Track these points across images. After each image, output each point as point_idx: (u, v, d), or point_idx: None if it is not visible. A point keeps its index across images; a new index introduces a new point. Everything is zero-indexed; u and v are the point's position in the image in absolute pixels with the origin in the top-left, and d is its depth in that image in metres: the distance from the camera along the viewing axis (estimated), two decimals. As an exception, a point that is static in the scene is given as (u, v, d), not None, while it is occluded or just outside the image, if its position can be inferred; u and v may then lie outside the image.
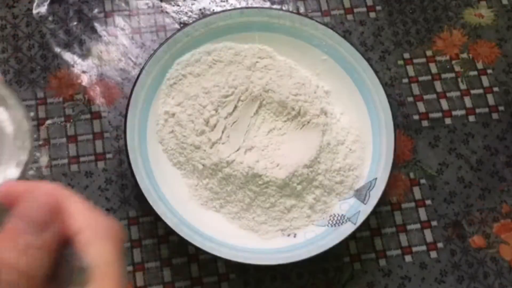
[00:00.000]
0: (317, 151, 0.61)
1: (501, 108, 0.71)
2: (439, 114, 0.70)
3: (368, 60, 0.66)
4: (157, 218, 0.58)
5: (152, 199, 0.58)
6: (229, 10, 0.68)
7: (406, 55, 0.72)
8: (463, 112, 0.70)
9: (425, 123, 0.69)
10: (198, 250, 0.57)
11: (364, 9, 0.73)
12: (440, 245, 0.65)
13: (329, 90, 0.66)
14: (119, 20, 0.70)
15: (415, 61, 0.72)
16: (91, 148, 0.64)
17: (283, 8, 0.72)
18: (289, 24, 0.66)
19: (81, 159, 0.63)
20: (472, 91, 0.71)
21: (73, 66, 0.67)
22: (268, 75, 0.65)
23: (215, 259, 0.60)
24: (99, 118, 0.65)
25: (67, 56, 0.67)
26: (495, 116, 0.71)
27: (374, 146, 0.63)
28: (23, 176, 0.39)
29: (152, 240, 0.61)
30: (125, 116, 0.60)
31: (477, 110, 0.71)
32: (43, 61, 0.67)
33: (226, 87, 0.63)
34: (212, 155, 0.59)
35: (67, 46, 0.68)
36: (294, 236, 0.60)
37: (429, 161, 0.68)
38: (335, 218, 0.61)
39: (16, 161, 0.39)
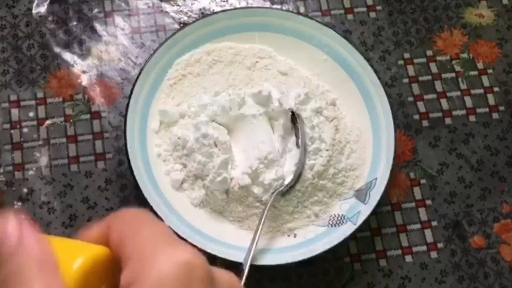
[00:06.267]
0: (328, 156, 0.61)
1: (501, 108, 0.71)
2: (439, 114, 0.70)
3: (368, 60, 0.66)
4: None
5: (152, 199, 0.58)
6: (229, 10, 0.68)
7: (406, 55, 0.72)
8: (463, 112, 0.70)
9: (425, 123, 0.69)
10: (198, 250, 0.57)
11: (364, 9, 0.73)
12: (440, 245, 0.64)
13: (329, 90, 0.66)
14: (119, 20, 0.69)
15: (415, 61, 0.72)
16: (91, 148, 0.64)
17: (283, 8, 0.72)
18: (289, 24, 0.66)
19: (81, 159, 0.63)
20: (473, 91, 0.71)
21: (73, 66, 0.67)
22: (268, 74, 0.65)
23: (215, 259, 0.60)
24: (99, 118, 0.65)
25: (67, 56, 0.67)
26: (495, 116, 0.71)
27: (374, 146, 0.63)
28: None
29: (152, 240, 0.61)
30: (125, 116, 0.60)
31: (478, 110, 0.71)
32: (43, 61, 0.67)
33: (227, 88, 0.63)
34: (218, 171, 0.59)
35: (67, 46, 0.68)
36: (294, 236, 0.60)
37: (429, 161, 0.68)
38: (335, 218, 0.61)
39: None
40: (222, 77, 0.64)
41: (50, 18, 0.69)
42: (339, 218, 0.61)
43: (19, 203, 0.61)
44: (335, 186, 0.62)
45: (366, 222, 0.59)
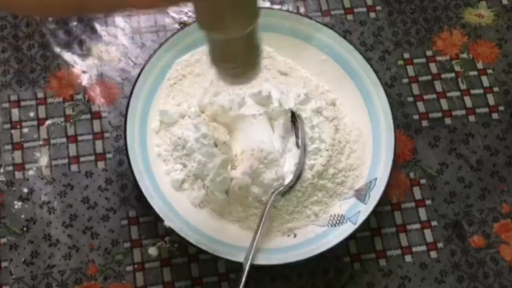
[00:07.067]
0: (328, 156, 0.61)
1: (501, 108, 0.71)
2: (439, 114, 0.70)
3: (368, 60, 0.66)
4: (157, 218, 0.58)
5: (152, 199, 0.58)
6: (229, 10, 0.67)
7: (406, 55, 0.72)
8: (463, 112, 0.70)
9: (425, 123, 0.69)
10: (198, 250, 0.57)
11: (364, 9, 0.73)
12: (440, 245, 0.65)
13: (329, 90, 0.67)
14: (119, 20, 0.70)
15: (415, 61, 0.72)
16: (91, 148, 0.64)
17: (283, 8, 0.72)
18: (289, 24, 0.66)
19: (81, 159, 0.63)
20: (472, 91, 0.71)
21: (73, 66, 0.67)
22: (269, 74, 0.65)
23: (215, 259, 0.60)
24: (99, 118, 0.65)
25: (67, 56, 0.67)
26: (495, 116, 0.71)
27: (374, 146, 0.63)
28: None
29: (152, 240, 0.61)
30: (125, 116, 0.60)
31: (477, 110, 0.71)
32: (43, 61, 0.67)
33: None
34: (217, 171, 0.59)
35: (67, 46, 0.68)
36: (294, 236, 0.60)
37: (429, 161, 0.68)
38: (335, 218, 0.61)
39: None
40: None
41: (50, 18, 0.69)
42: (339, 218, 0.61)
43: (19, 203, 0.61)
44: (335, 186, 0.62)
45: (366, 222, 0.59)
